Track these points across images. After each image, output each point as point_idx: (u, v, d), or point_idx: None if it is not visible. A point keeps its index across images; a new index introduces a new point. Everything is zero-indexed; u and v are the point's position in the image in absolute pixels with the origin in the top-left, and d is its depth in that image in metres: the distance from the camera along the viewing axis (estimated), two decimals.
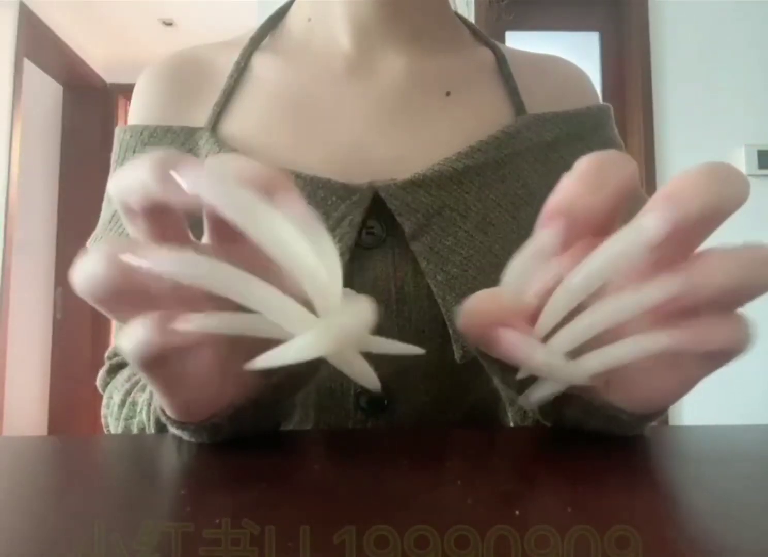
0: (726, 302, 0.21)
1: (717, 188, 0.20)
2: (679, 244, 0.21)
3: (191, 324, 0.20)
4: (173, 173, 0.20)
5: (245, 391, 0.25)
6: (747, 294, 0.21)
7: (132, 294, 0.21)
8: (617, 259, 0.21)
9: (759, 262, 0.20)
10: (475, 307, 0.23)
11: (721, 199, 0.20)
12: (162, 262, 0.19)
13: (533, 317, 0.23)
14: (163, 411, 0.26)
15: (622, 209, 0.22)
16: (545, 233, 0.22)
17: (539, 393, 0.24)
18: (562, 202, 0.22)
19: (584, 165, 0.22)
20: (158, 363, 0.22)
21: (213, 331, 0.21)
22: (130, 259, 0.20)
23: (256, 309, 0.20)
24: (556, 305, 0.22)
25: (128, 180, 0.21)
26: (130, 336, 0.21)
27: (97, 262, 0.20)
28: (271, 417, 0.27)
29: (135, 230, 0.23)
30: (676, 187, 0.20)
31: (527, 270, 0.22)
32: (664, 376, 0.23)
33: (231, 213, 0.19)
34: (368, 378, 0.24)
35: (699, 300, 0.20)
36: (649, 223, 0.20)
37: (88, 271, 0.20)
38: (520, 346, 0.22)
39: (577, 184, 0.22)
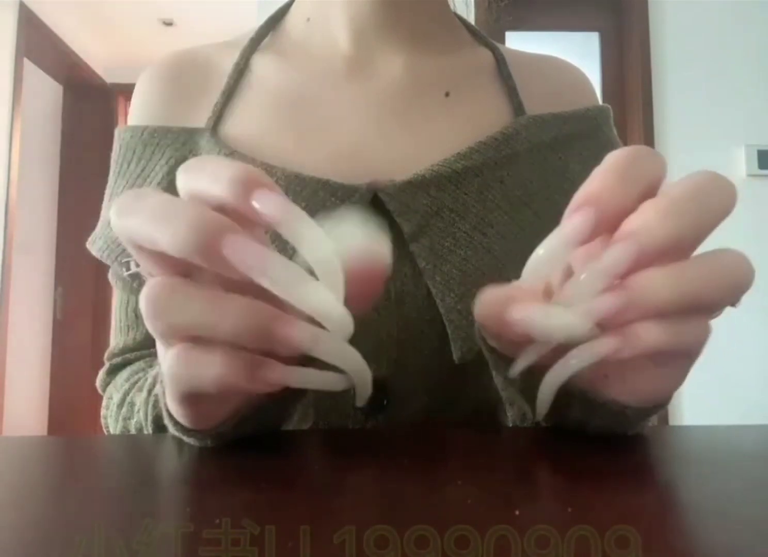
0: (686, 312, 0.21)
1: (683, 221, 0.20)
2: (672, 256, 0.21)
3: (280, 375, 0.21)
4: (253, 197, 0.20)
5: (250, 400, 0.25)
6: (701, 306, 0.21)
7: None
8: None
9: (704, 278, 0.21)
10: (491, 295, 0.23)
11: (692, 229, 0.21)
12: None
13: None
14: (171, 417, 0.26)
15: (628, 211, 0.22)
16: (573, 221, 0.22)
17: (526, 361, 0.24)
18: (592, 192, 0.22)
19: (615, 158, 0.22)
20: (211, 394, 0.22)
21: (295, 385, 0.22)
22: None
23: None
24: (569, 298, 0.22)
25: (203, 185, 0.21)
26: (208, 369, 0.21)
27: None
28: (273, 421, 0.27)
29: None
30: (642, 218, 0.21)
31: (550, 259, 0.22)
32: (658, 368, 0.23)
33: (294, 241, 0.21)
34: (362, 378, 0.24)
35: (640, 314, 0.21)
36: (609, 259, 0.21)
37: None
38: (535, 313, 0.22)
39: (608, 175, 0.22)
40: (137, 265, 0.24)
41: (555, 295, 0.23)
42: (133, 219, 0.21)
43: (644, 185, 0.22)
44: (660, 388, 0.24)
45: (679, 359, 0.23)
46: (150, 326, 0.22)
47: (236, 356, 0.21)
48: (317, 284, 0.21)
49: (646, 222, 0.21)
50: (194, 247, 0.19)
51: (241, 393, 0.22)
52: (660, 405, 0.25)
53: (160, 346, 0.24)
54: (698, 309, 0.21)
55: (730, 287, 0.21)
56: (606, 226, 0.22)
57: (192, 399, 0.23)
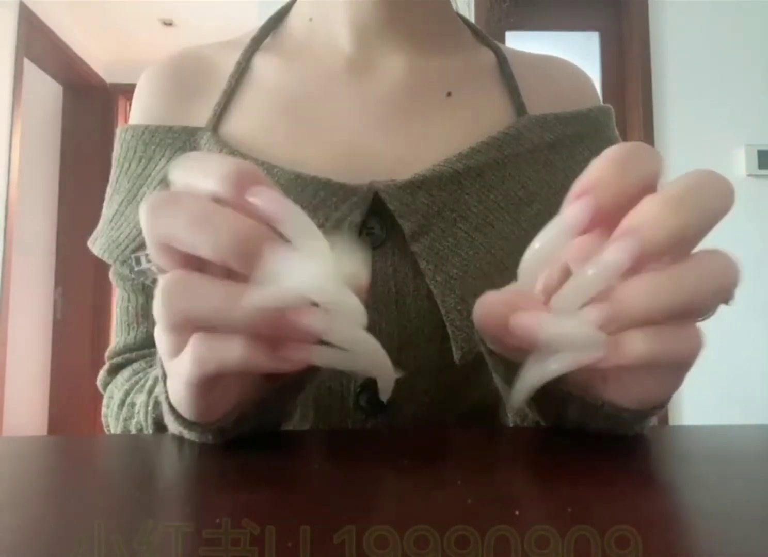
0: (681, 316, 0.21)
1: (685, 217, 0.20)
2: (673, 253, 0.21)
3: (305, 353, 0.22)
4: (249, 193, 0.21)
5: (251, 395, 0.25)
6: (688, 312, 0.21)
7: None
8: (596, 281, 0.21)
9: (689, 282, 0.21)
10: (489, 300, 0.24)
11: (699, 221, 0.21)
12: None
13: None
14: (173, 412, 0.26)
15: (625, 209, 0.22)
16: (572, 210, 0.22)
17: (527, 383, 0.24)
18: (590, 181, 0.22)
19: (614, 151, 0.22)
20: (222, 376, 0.23)
21: (319, 363, 0.23)
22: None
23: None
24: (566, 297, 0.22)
25: (196, 179, 0.22)
26: (232, 351, 0.22)
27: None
28: (273, 418, 0.27)
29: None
30: (642, 215, 0.21)
31: (549, 249, 0.22)
32: (653, 375, 0.23)
33: (290, 235, 0.22)
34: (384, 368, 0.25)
35: (626, 323, 0.21)
36: (609, 258, 0.21)
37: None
38: (533, 320, 0.22)
39: (606, 166, 0.22)
40: (148, 261, 0.25)
41: (555, 296, 0.23)
42: (169, 220, 0.21)
43: (642, 178, 0.22)
44: (657, 393, 0.24)
45: (672, 367, 0.23)
46: (166, 318, 0.22)
47: (258, 338, 0.22)
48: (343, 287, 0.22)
49: (649, 218, 0.20)
50: (236, 255, 0.21)
51: (265, 371, 0.23)
52: (657, 408, 0.25)
53: (167, 341, 0.24)
54: (686, 316, 0.21)
55: (715, 291, 0.21)
56: (604, 217, 0.22)
57: (207, 385, 0.23)
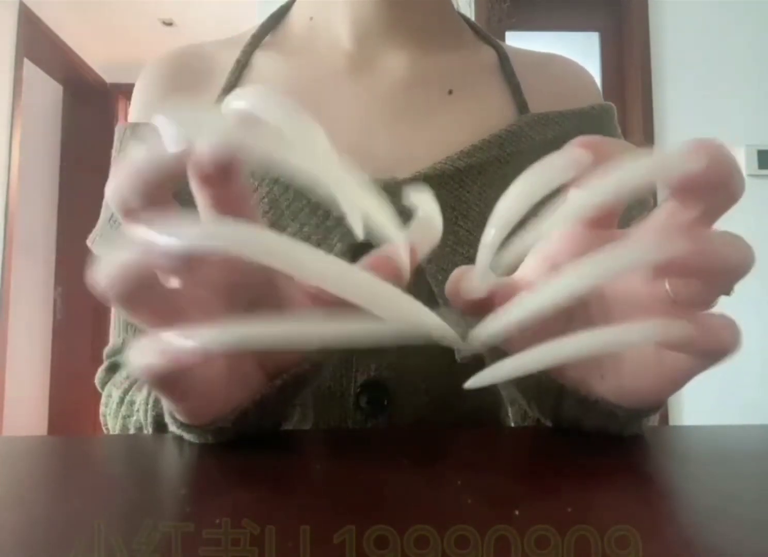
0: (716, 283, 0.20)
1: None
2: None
3: (195, 341, 0.18)
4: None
5: (250, 394, 0.25)
6: (729, 277, 0.20)
7: (152, 292, 0.20)
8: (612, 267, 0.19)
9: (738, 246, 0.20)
10: (457, 272, 0.24)
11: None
12: (201, 234, 0.17)
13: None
14: (170, 414, 0.26)
15: (622, 205, 0.23)
16: (565, 154, 0.21)
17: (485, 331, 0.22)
18: (592, 141, 0.21)
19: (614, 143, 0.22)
20: (167, 380, 0.21)
21: (218, 348, 0.18)
22: (159, 236, 0.17)
23: (317, 282, 0.18)
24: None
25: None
26: (136, 358, 0.20)
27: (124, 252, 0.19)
28: (274, 418, 0.27)
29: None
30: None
31: (531, 192, 0.21)
32: (655, 372, 0.23)
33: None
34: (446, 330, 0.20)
35: (695, 270, 0.20)
36: (648, 246, 0.19)
37: (116, 262, 0.19)
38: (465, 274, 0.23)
39: (606, 140, 0.22)
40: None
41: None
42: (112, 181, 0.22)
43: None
44: (654, 392, 0.24)
45: (695, 359, 0.22)
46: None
47: (150, 338, 0.19)
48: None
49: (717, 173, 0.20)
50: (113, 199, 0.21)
51: (169, 371, 0.20)
52: (652, 409, 0.25)
53: None
54: (722, 277, 0.20)
55: (745, 265, 0.20)
56: (597, 164, 0.20)
57: (169, 394, 0.23)
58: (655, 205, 0.23)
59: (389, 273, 0.20)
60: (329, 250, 0.37)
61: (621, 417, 0.25)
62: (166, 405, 0.25)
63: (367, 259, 0.20)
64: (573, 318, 0.25)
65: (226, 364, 0.23)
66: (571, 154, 0.21)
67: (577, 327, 0.20)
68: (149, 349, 0.19)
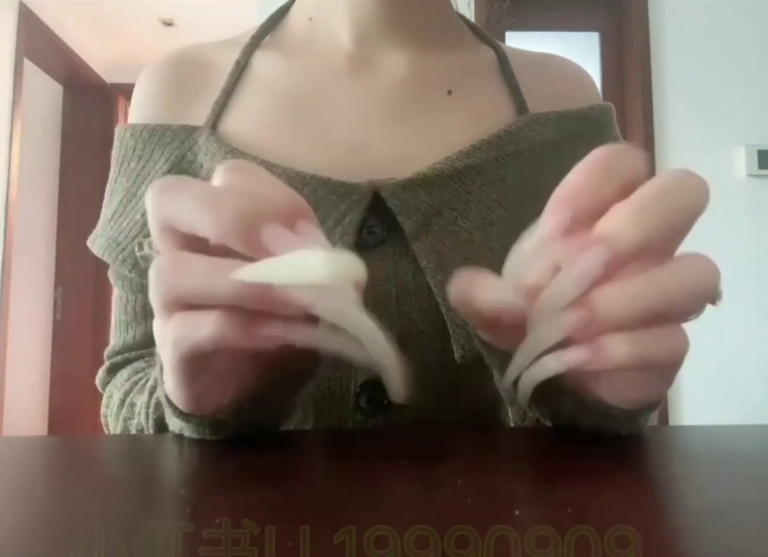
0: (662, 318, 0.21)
1: (651, 223, 0.21)
2: (648, 256, 0.22)
3: (281, 330, 0.22)
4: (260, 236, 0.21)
5: (248, 386, 0.25)
6: (666, 316, 0.21)
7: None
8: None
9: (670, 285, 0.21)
10: (463, 277, 0.25)
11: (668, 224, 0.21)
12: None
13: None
14: (170, 402, 0.26)
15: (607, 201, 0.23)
16: (549, 222, 0.22)
17: (517, 369, 0.25)
18: (569, 191, 0.22)
19: (593, 157, 0.23)
20: (200, 357, 0.22)
21: (299, 342, 0.22)
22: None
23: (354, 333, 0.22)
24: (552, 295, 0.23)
25: (195, 216, 0.22)
26: (203, 328, 0.21)
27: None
28: (271, 416, 0.27)
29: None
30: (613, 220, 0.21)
31: (530, 257, 0.23)
32: (642, 376, 0.24)
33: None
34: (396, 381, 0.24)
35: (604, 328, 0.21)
36: (581, 266, 0.21)
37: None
38: (481, 287, 0.23)
39: (586, 175, 0.22)
40: (150, 247, 0.25)
41: (534, 303, 0.23)
42: (173, 202, 0.22)
43: (621, 183, 0.22)
44: (647, 393, 0.25)
45: (656, 369, 0.23)
46: (157, 297, 0.22)
47: (233, 313, 0.21)
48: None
49: (615, 226, 0.21)
50: (235, 233, 0.21)
51: (241, 350, 0.22)
52: (649, 409, 0.26)
53: (161, 325, 0.24)
54: (665, 319, 0.22)
55: (691, 295, 0.21)
56: (583, 224, 0.22)
57: (190, 368, 0.23)
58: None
59: None
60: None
61: (618, 416, 0.25)
62: (169, 390, 0.25)
63: None
64: None
65: (230, 357, 0.24)
66: (554, 222, 0.23)
67: None
68: (235, 324, 0.21)
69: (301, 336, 0.22)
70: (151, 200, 0.22)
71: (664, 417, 1.68)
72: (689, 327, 0.23)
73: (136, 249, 0.26)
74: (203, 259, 0.22)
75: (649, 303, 0.21)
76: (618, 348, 0.21)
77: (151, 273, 0.22)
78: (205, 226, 0.21)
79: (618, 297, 0.21)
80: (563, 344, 0.23)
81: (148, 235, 0.41)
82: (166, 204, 0.22)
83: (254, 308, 0.21)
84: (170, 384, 0.25)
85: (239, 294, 0.21)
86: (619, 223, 0.21)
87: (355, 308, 0.22)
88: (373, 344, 0.22)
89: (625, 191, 0.22)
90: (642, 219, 0.21)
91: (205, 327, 0.21)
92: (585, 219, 0.22)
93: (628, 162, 0.23)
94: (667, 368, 0.23)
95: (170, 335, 0.22)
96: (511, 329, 0.24)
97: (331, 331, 0.22)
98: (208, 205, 0.21)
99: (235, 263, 0.21)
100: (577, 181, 0.22)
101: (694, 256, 0.22)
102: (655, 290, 0.21)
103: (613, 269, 0.21)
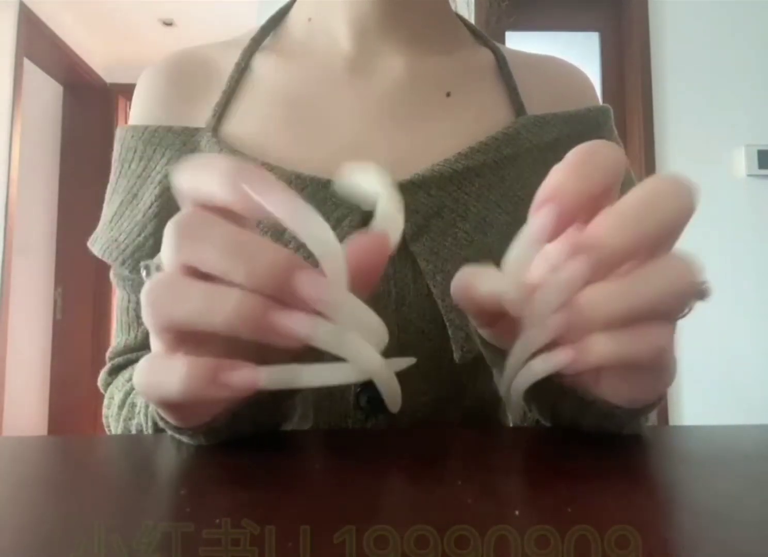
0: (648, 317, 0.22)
1: (637, 230, 0.21)
2: (635, 261, 0.22)
3: (247, 376, 0.21)
4: (246, 187, 0.21)
5: (239, 399, 0.25)
6: (650, 316, 0.22)
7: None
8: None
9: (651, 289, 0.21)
10: (462, 273, 0.25)
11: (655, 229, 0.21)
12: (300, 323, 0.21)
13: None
14: (161, 417, 0.26)
15: (612, 194, 0.23)
16: (536, 221, 0.23)
17: (517, 387, 0.25)
18: (551, 189, 0.23)
19: (572, 155, 0.23)
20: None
21: (269, 386, 0.21)
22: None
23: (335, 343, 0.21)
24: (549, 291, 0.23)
25: (199, 182, 0.22)
26: (176, 376, 0.21)
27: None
28: (270, 419, 0.27)
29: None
30: (597, 229, 0.22)
31: (522, 258, 0.23)
32: (635, 375, 0.24)
33: (298, 232, 0.21)
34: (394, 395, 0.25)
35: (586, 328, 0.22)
36: (566, 273, 0.22)
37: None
38: (479, 278, 0.24)
39: (566, 172, 0.23)
40: (158, 270, 0.24)
41: (523, 310, 0.23)
42: (200, 246, 0.21)
43: (603, 178, 0.23)
44: (643, 393, 0.25)
45: (642, 367, 0.23)
46: (147, 320, 0.22)
47: (199, 362, 0.21)
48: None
49: (601, 233, 0.21)
50: (271, 283, 0.20)
51: (209, 401, 0.22)
52: (650, 407, 0.26)
53: (155, 345, 0.24)
54: (650, 319, 0.22)
55: (672, 294, 0.22)
56: (569, 220, 0.22)
57: (165, 406, 0.23)
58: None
59: (377, 252, 0.23)
60: None
61: (618, 416, 0.25)
62: (156, 409, 0.25)
63: (355, 241, 0.23)
64: None
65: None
66: (539, 223, 0.23)
67: None
68: (202, 376, 0.21)
69: (268, 378, 0.21)
70: (172, 240, 0.21)
71: (664, 417, 1.68)
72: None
73: (143, 272, 0.25)
74: (197, 287, 0.21)
75: (630, 302, 0.21)
76: (599, 348, 0.22)
77: (143, 296, 0.22)
78: (238, 275, 0.20)
79: (599, 298, 0.21)
80: (552, 347, 0.23)
81: (148, 236, 0.41)
82: (190, 246, 0.21)
83: (250, 338, 0.21)
84: (155, 407, 0.25)
85: (235, 325, 0.20)
86: (606, 230, 0.21)
87: (353, 336, 0.22)
88: (375, 372, 0.23)
89: (607, 184, 0.23)
90: (629, 226, 0.21)
91: (170, 377, 0.21)
92: (570, 216, 0.22)
93: (607, 155, 0.23)
94: (654, 366, 0.23)
95: (137, 378, 0.22)
96: (510, 325, 0.24)
97: (311, 369, 0.22)
98: (239, 253, 0.21)
99: (228, 290, 0.21)
100: (558, 179, 0.23)
101: (675, 255, 0.22)
102: (635, 290, 0.21)
103: (599, 275, 0.21)
